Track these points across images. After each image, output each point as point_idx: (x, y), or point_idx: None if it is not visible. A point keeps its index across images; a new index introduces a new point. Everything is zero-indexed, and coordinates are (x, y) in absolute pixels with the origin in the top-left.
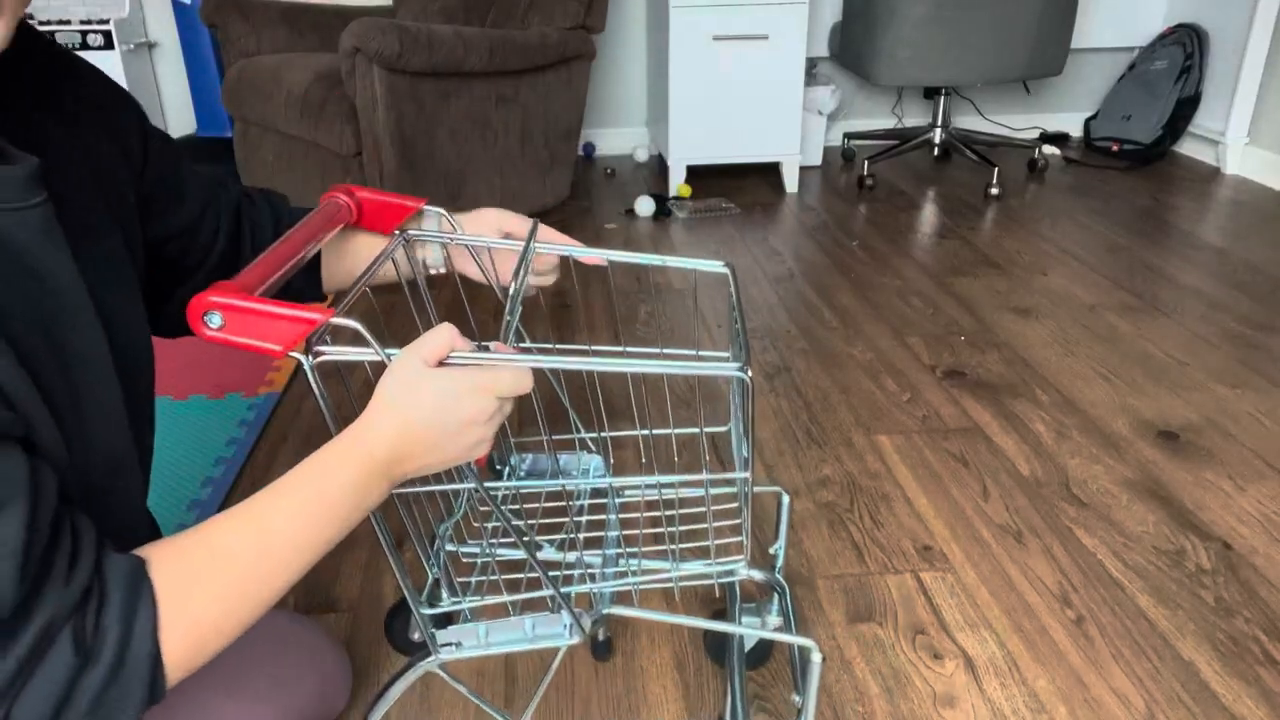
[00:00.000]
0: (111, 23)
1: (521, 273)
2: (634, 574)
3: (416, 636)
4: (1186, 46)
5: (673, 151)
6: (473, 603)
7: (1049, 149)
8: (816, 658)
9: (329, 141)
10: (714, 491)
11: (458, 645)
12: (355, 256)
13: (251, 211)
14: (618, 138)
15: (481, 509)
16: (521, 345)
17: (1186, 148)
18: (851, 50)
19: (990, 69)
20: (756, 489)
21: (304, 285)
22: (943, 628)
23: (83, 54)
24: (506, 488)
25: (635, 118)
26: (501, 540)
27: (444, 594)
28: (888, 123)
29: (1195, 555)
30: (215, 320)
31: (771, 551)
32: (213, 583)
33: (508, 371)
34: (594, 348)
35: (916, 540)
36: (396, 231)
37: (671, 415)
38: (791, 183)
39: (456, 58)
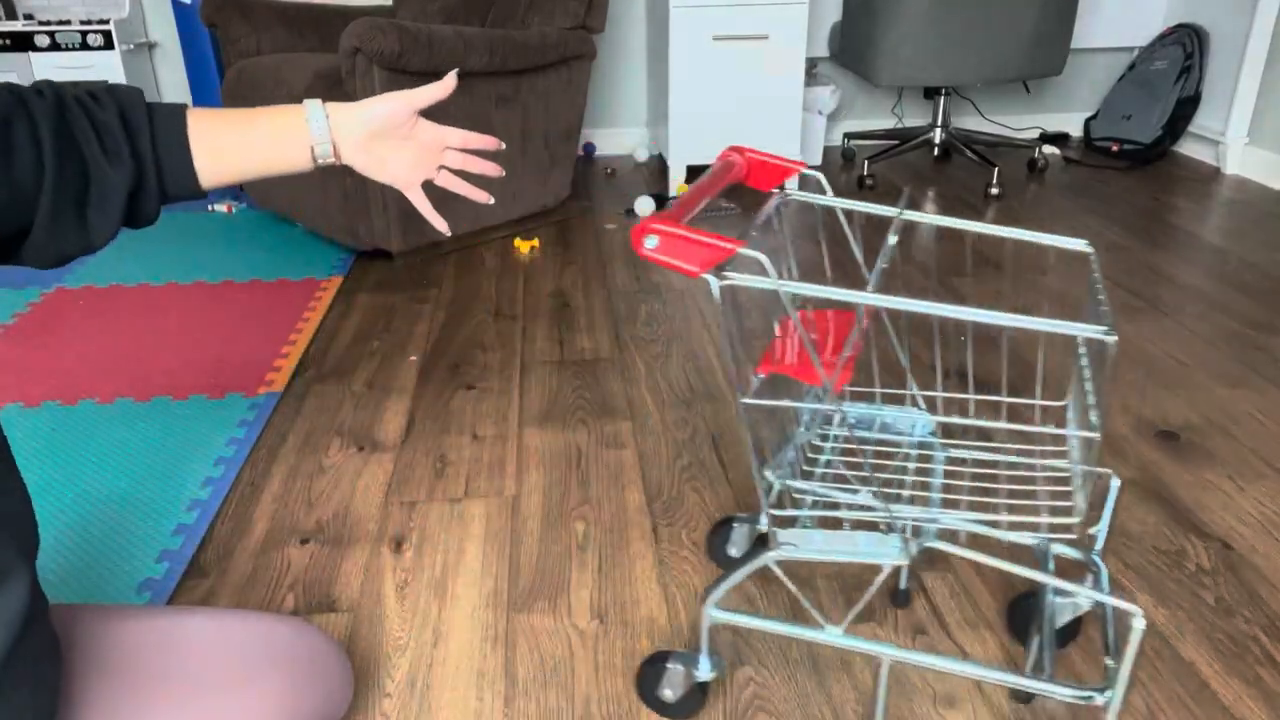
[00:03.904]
0: (111, 23)
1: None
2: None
3: (734, 552)
4: (1186, 46)
5: (673, 151)
6: (814, 513)
7: (1049, 149)
8: (1139, 624)
9: None
10: (1042, 461)
11: (795, 546)
12: (230, 155)
13: (86, 114)
14: (618, 138)
15: (808, 455)
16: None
17: (1186, 148)
18: (851, 50)
19: (990, 69)
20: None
21: (178, 185)
22: (943, 628)
23: (83, 54)
24: (835, 434)
25: (635, 118)
26: (827, 482)
27: (788, 503)
28: (888, 123)
29: (1195, 555)
30: (652, 241)
31: (1092, 531)
32: None
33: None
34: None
35: None
36: (776, 190)
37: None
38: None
39: (456, 58)
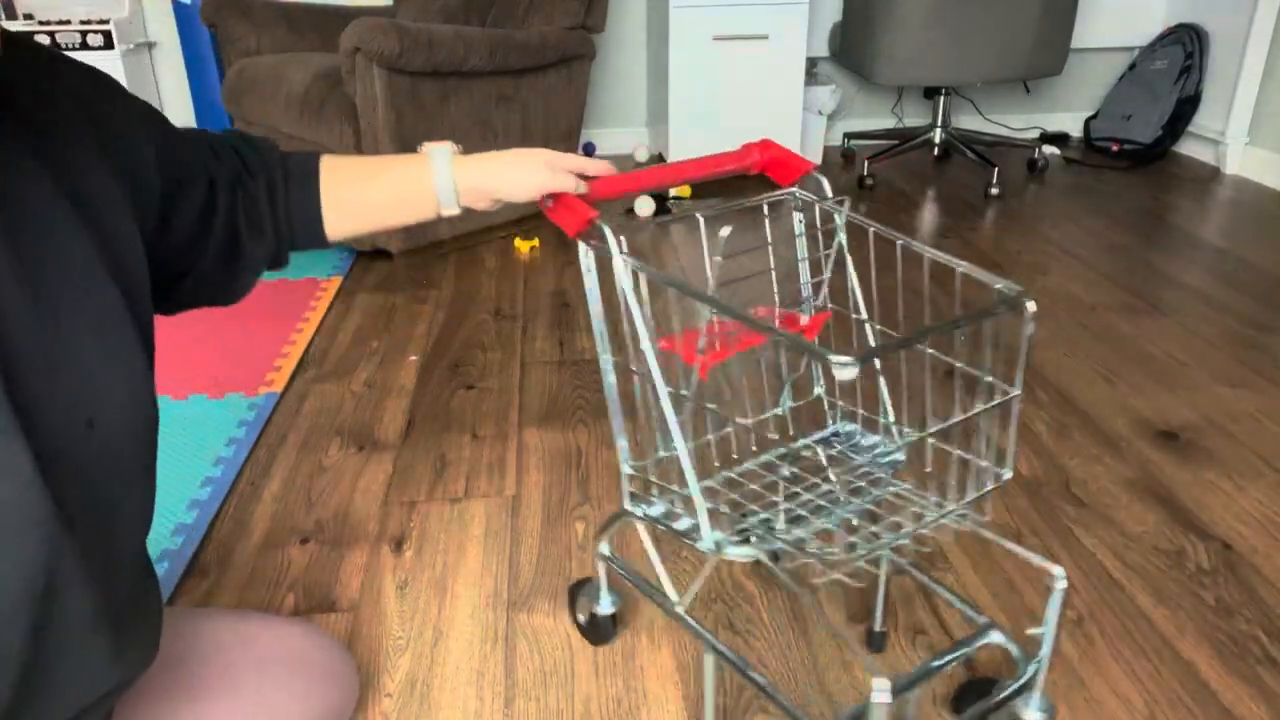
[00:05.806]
0: (111, 23)
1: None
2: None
3: (581, 619)
4: (1186, 46)
5: (673, 151)
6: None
7: (1049, 149)
8: (1061, 584)
9: (329, 141)
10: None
11: (643, 516)
12: (356, 209)
13: (243, 190)
14: (618, 138)
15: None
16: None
17: (1186, 148)
18: (851, 50)
19: (990, 69)
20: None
21: (306, 240)
22: (943, 628)
23: (82, 54)
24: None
25: (635, 118)
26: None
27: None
28: (888, 123)
29: (1195, 555)
30: (548, 202)
31: (1034, 633)
32: None
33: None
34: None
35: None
36: (795, 188)
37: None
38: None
39: (456, 58)
